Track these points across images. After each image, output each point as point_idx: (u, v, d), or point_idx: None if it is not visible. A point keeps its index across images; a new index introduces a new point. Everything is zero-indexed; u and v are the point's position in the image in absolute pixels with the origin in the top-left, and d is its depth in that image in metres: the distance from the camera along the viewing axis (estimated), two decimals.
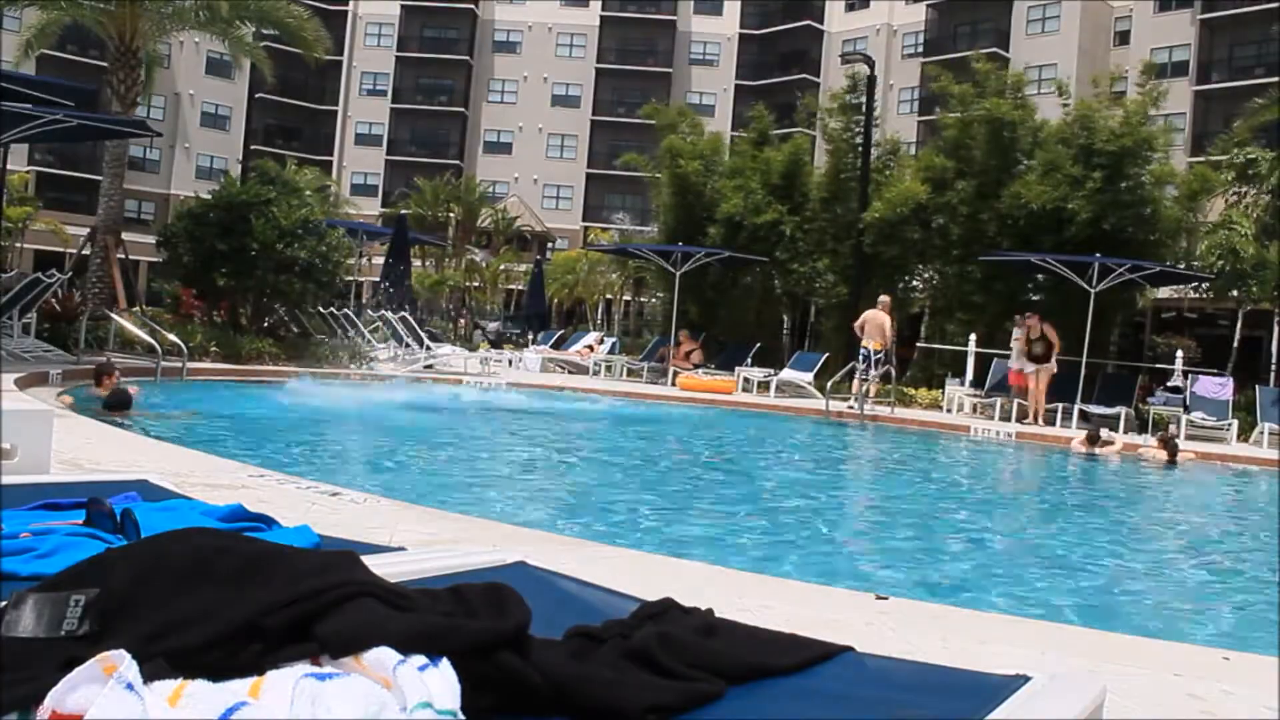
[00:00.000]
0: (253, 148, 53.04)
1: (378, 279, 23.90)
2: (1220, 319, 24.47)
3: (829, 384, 15.67)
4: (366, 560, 1.38)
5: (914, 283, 21.74)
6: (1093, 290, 16.34)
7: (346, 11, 56.75)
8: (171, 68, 45.98)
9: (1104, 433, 13.13)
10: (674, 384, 17.80)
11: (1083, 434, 12.97)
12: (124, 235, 17.60)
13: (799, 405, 16.11)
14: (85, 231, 17.83)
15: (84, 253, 17.92)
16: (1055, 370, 15.59)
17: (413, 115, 58.14)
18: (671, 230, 22.78)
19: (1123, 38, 44.23)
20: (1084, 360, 16.01)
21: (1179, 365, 17.87)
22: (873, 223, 19.76)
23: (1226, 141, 21.16)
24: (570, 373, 19.99)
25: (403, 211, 33.25)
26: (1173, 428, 14.69)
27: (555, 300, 41.49)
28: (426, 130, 58.14)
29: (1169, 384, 16.98)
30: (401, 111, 58.15)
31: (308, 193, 18.91)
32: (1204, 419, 15.00)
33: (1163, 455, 11.93)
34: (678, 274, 20.06)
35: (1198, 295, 22.41)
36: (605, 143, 56.05)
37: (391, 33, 58.63)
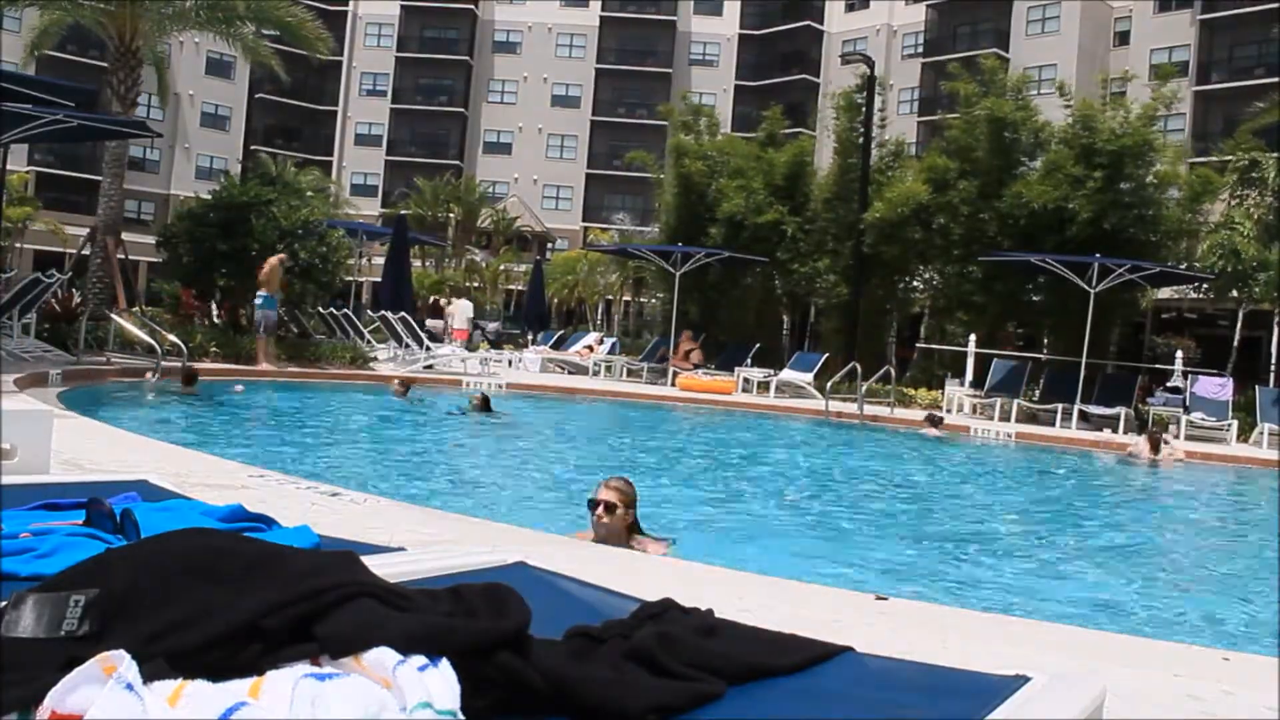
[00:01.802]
0: (253, 148, 53.04)
1: (378, 279, 23.89)
2: (1220, 319, 24.48)
3: (829, 384, 15.68)
4: (366, 560, 1.38)
5: (914, 283, 21.74)
6: (1092, 290, 16.34)
7: (346, 11, 56.73)
8: (171, 68, 45.99)
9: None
10: (674, 384, 17.80)
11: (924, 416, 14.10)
12: (124, 235, 17.59)
13: (798, 406, 16.11)
14: (85, 231, 17.81)
15: (84, 253, 17.91)
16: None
17: (412, 115, 58.13)
18: (673, 230, 22.78)
19: (1123, 38, 44.22)
20: (1084, 360, 16.01)
21: (1179, 366, 17.87)
22: (873, 223, 19.76)
23: (1232, 145, 21.16)
24: (570, 373, 19.98)
25: (402, 212, 33.23)
26: (1173, 428, 14.71)
27: (555, 300, 41.49)
28: (426, 130, 58.14)
29: (1169, 384, 16.99)
30: (401, 112, 58.15)
31: (309, 193, 18.91)
32: (1204, 419, 15.00)
33: (1148, 453, 12.01)
34: (678, 274, 20.06)
35: (1198, 296, 22.42)
36: (605, 143, 56.06)
37: (391, 33, 58.63)
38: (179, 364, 12.25)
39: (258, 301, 14.46)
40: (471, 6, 58.20)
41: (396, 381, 13.50)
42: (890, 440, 13.45)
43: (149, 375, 11.74)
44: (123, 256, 17.14)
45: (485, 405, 12.24)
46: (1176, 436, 14.44)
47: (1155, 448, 11.96)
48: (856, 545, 6.03)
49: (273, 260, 14.76)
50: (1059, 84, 21.40)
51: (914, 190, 19.60)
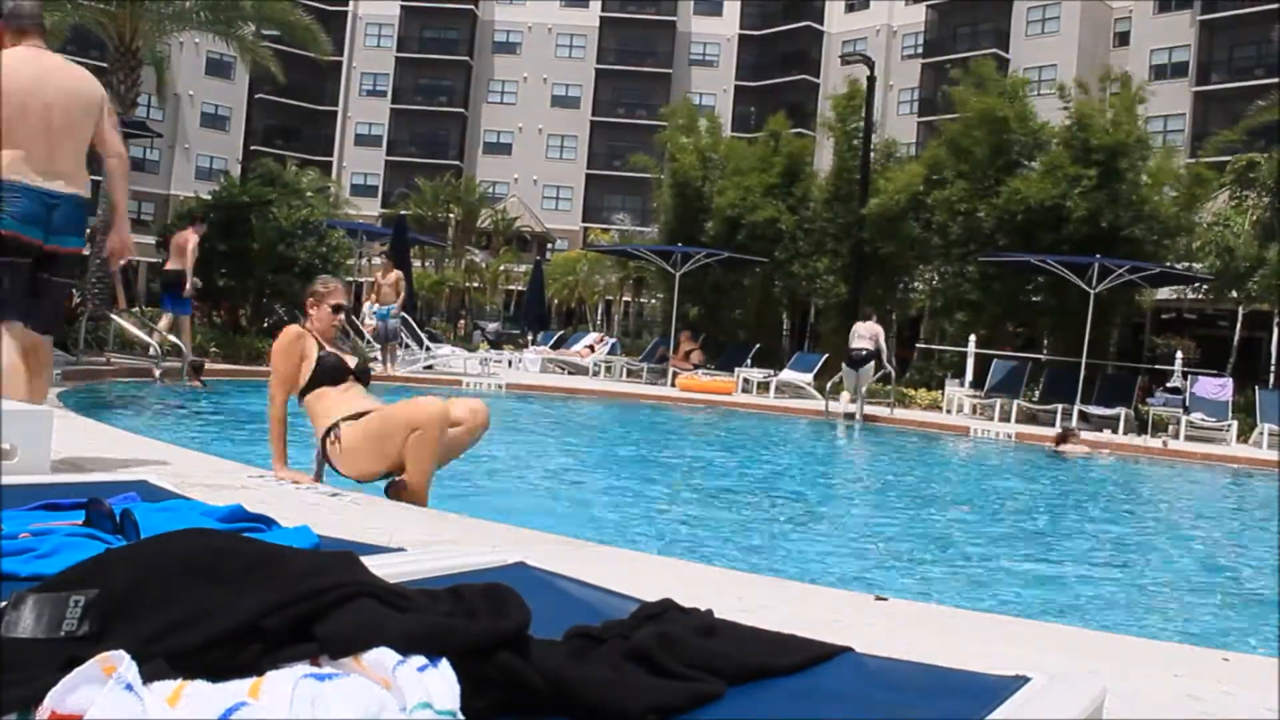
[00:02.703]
0: (253, 148, 53.08)
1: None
2: (1220, 320, 24.49)
3: (828, 385, 15.68)
4: (366, 561, 1.38)
5: (914, 284, 21.76)
6: (1092, 291, 16.35)
7: (346, 12, 56.78)
8: (171, 68, 46.02)
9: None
10: (673, 385, 17.80)
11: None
12: None
13: (798, 406, 16.11)
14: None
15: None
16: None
17: (412, 116, 58.17)
18: (671, 230, 22.81)
19: (1123, 38, 44.26)
20: (1083, 361, 16.02)
21: (1178, 366, 17.88)
22: (872, 218, 19.79)
23: (1218, 142, 21.19)
24: (570, 373, 19.99)
25: (402, 212, 33.23)
26: (1172, 428, 14.75)
27: (555, 301, 41.51)
28: (426, 131, 58.17)
29: (1168, 385, 17.00)
30: (401, 112, 58.17)
31: (309, 193, 18.93)
32: (1203, 420, 15.02)
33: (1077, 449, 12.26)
34: (677, 275, 20.08)
35: (1197, 296, 22.44)
36: (605, 143, 56.09)
37: (391, 33, 58.66)
38: (179, 364, 12.24)
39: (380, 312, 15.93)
40: (471, 7, 58.24)
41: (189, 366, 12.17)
42: (884, 440, 13.47)
43: (163, 374, 11.77)
44: None
45: (196, 372, 11.80)
46: (1176, 437, 14.47)
47: (1059, 441, 12.29)
48: (856, 545, 6.04)
49: (375, 276, 16.20)
50: (1059, 85, 21.39)
51: (913, 174, 19.63)
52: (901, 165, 21.87)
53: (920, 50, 49.48)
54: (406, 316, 18.62)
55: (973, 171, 19.74)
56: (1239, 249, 18.97)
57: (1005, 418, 15.40)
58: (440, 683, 1.09)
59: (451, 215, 48.63)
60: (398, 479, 4.55)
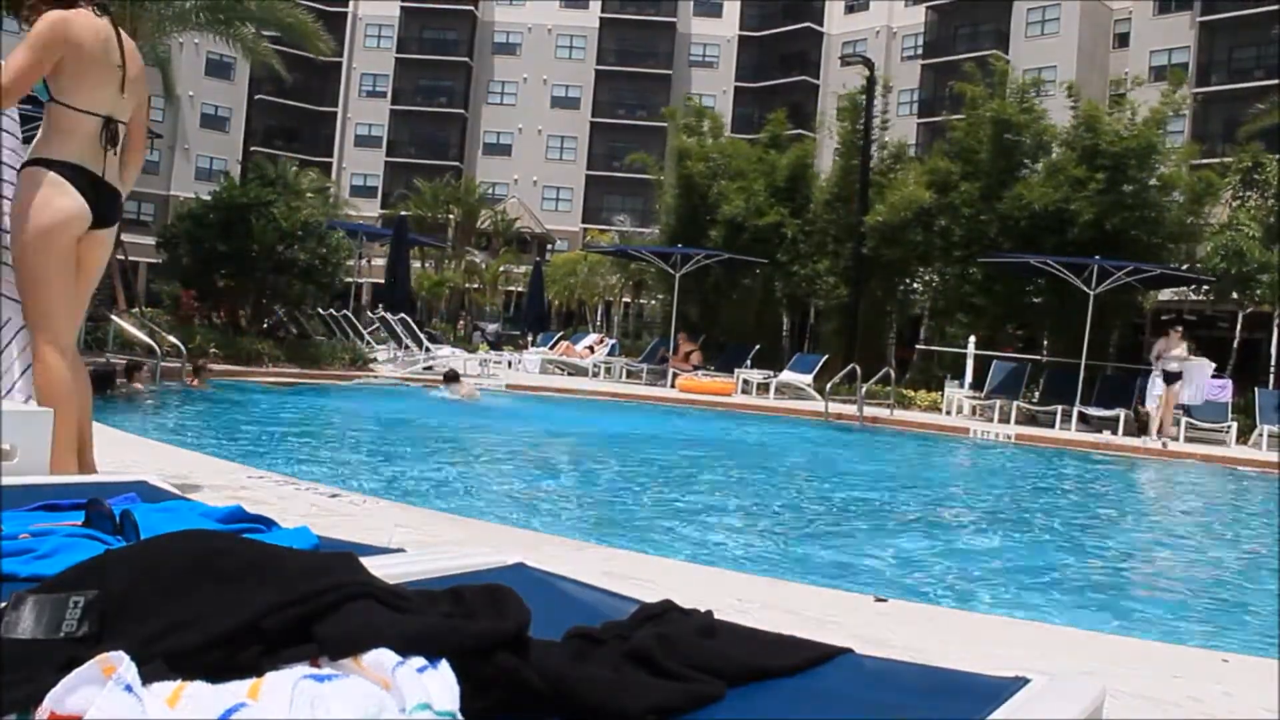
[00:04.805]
0: (252, 149, 53.08)
1: (378, 280, 23.97)
2: (1220, 321, 24.46)
3: (828, 386, 15.68)
4: (365, 561, 1.38)
5: (914, 285, 21.75)
6: (1092, 292, 16.35)
7: (346, 13, 56.78)
8: (171, 69, 46.03)
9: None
10: (673, 386, 17.81)
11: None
12: (123, 236, 17.54)
13: (798, 407, 16.12)
14: None
15: None
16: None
17: (412, 117, 58.18)
18: (674, 231, 22.81)
19: (1122, 40, 44.27)
20: (1083, 362, 16.02)
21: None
22: (875, 226, 19.76)
23: (1239, 151, 21.21)
24: (569, 374, 19.99)
25: (402, 213, 33.25)
26: (1172, 430, 14.75)
27: (555, 302, 41.50)
28: (426, 132, 58.18)
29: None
30: (401, 113, 58.18)
31: (309, 194, 18.97)
32: (1203, 421, 15.03)
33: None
34: (677, 276, 20.07)
35: (1198, 298, 22.43)
36: (605, 144, 56.10)
37: (391, 34, 58.68)
38: (178, 365, 12.25)
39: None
40: (471, 8, 58.25)
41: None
42: (888, 441, 13.47)
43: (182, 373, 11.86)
44: (122, 257, 17.13)
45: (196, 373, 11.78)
46: (1175, 439, 14.46)
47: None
48: (858, 546, 6.04)
49: None
50: (1069, 85, 21.33)
51: (916, 195, 19.59)
52: (907, 167, 21.84)
53: (920, 51, 49.48)
54: (406, 317, 18.64)
55: (977, 174, 19.72)
56: (1249, 252, 18.93)
57: (1005, 419, 15.41)
58: (440, 684, 1.09)
59: (451, 216, 48.64)
60: None
